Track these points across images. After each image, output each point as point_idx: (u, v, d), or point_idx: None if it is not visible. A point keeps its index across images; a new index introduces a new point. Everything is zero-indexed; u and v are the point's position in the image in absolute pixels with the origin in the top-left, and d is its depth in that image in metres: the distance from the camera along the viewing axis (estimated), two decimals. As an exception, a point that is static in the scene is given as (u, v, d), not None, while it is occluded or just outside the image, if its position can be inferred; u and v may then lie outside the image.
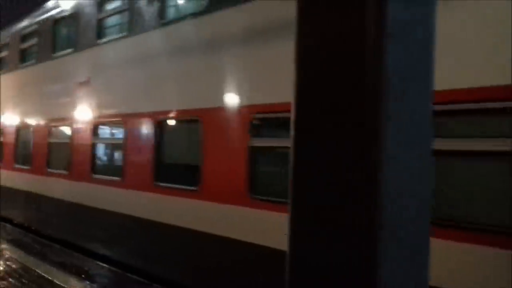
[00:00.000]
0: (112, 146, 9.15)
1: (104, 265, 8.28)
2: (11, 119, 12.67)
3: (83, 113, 9.45)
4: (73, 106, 9.76)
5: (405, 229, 0.96)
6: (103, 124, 9.17)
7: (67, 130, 10.14)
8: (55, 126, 10.67)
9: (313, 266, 0.99)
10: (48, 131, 10.73)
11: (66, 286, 6.86)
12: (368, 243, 0.92)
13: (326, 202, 0.98)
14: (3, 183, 12.23)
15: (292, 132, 1.04)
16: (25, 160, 11.68)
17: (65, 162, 9.90)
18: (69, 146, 9.78)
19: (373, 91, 0.93)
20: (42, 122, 11.07)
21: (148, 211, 7.46)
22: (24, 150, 12.01)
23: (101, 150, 9.36)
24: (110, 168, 8.91)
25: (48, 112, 10.81)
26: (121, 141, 8.34)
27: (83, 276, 7.64)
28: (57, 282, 6.99)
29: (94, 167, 9.02)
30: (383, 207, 0.92)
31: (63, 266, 7.97)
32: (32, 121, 11.61)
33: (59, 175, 10.02)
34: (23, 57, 12.37)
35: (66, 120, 10.04)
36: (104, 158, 9.47)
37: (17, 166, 11.97)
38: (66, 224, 9.70)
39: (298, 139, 1.04)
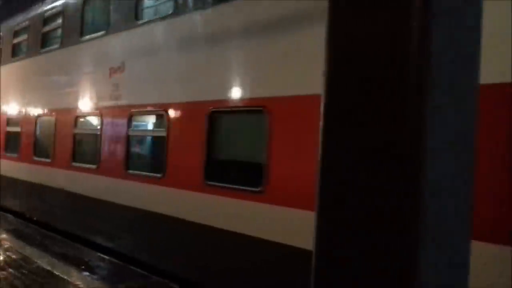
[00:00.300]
0: (152, 139, 8.24)
1: (105, 256, 8.01)
2: (31, 108, 11.77)
3: (116, 102, 8.53)
4: (104, 94, 8.85)
5: (446, 230, 0.93)
6: (141, 114, 8.27)
7: (96, 120, 9.25)
8: (82, 116, 9.78)
9: (343, 269, 0.97)
10: (73, 121, 9.82)
11: (66, 277, 6.73)
12: (409, 246, 0.89)
13: (362, 202, 0.95)
14: (21, 176, 11.39)
15: (322, 124, 1.04)
16: (46, 153, 10.79)
17: (94, 156, 9.00)
18: (98, 138, 8.87)
19: (417, 84, 0.91)
20: (67, 111, 10.11)
21: (196, 213, 6.60)
22: (46, 141, 11.13)
23: (137, 143, 8.45)
24: (149, 164, 8.07)
25: (75, 101, 9.86)
26: (163, 134, 7.42)
27: (83, 267, 7.46)
28: (56, 273, 6.91)
29: (128, 161, 8.10)
30: (427, 208, 0.89)
31: (64, 257, 7.83)
32: (55, 111, 10.69)
33: (86, 170, 9.15)
34: (45, 41, 11.45)
35: (96, 109, 9.13)
36: (142, 152, 8.58)
37: (36, 158, 11.11)
38: (93, 224, 8.85)
39: (328, 133, 1.03)
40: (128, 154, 8.14)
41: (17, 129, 12.19)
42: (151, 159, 8.25)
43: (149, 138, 8.42)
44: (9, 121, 12.69)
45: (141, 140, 8.47)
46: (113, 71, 8.55)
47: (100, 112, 8.96)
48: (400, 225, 0.89)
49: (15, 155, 11.95)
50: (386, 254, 0.90)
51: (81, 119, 9.83)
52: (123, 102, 8.37)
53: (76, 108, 9.78)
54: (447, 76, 0.92)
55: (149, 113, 8.12)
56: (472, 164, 0.97)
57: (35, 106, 11.55)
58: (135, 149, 8.40)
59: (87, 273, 7.18)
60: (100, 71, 8.96)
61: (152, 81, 7.83)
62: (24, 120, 11.95)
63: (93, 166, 8.91)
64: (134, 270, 7.37)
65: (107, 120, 8.75)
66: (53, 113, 10.70)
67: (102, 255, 8.06)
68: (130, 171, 7.94)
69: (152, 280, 7.01)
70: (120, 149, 8.27)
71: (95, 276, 7.09)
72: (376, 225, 0.92)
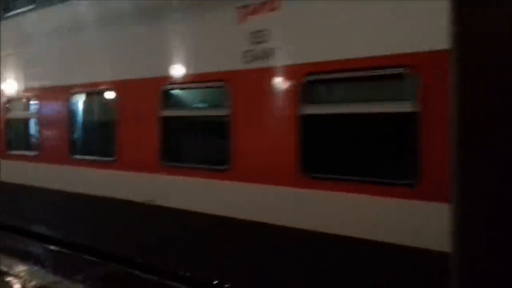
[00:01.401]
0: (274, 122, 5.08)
1: (52, 247, 7.61)
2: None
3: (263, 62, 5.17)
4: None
5: None
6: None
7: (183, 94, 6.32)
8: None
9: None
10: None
11: (11, 272, 6.45)
12: None
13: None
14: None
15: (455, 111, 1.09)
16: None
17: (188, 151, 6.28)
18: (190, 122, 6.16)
19: None
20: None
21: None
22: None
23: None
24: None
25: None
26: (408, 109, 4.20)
27: (32, 261, 7.07)
28: (4, 269, 6.59)
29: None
30: None
31: (8, 251, 7.44)
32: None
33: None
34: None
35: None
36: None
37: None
38: None
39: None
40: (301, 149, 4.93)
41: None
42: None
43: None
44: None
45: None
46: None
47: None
48: None
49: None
50: None
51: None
52: (276, 62, 5.08)
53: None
54: None
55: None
56: None
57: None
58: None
59: (37, 267, 6.75)
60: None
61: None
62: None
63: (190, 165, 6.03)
64: (90, 259, 6.92)
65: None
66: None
67: (51, 247, 7.59)
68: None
69: (110, 267, 6.65)
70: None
71: (47, 269, 6.71)
72: None
